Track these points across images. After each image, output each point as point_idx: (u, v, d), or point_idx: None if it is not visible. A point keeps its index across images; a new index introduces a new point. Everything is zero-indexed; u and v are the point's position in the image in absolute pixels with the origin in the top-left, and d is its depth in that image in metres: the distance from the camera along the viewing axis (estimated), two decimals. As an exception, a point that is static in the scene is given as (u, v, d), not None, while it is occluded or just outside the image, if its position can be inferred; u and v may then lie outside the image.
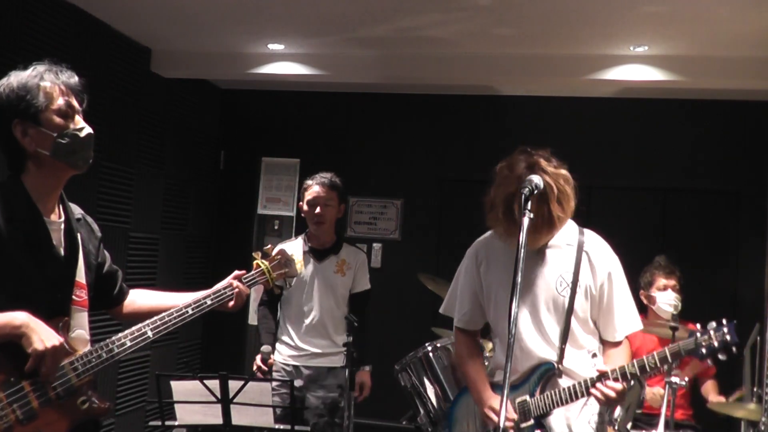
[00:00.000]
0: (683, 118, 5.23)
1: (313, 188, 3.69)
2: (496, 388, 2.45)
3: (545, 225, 2.27)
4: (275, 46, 4.68)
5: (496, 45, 4.42)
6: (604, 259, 2.40)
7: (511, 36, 4.24)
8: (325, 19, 4.13)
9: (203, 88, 5.58)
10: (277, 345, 3.75)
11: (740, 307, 4.92)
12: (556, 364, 2.34)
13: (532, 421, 2.34)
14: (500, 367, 2.48)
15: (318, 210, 3.64)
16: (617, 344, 2.41)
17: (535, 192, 2.14)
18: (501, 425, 1.88)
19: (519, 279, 1.96)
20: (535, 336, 2.38)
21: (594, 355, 2.41)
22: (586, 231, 2.47)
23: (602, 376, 2.22)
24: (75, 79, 2.00)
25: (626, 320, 2.41)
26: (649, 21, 3.85)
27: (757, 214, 5.01)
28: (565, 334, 2.36)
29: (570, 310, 2.36)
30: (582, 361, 2.37)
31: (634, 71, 4.42)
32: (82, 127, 1.97)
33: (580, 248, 2.40)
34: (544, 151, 2.35)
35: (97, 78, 4.28)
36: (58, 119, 1.92)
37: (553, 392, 2.31)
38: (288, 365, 3.67)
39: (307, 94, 5.72)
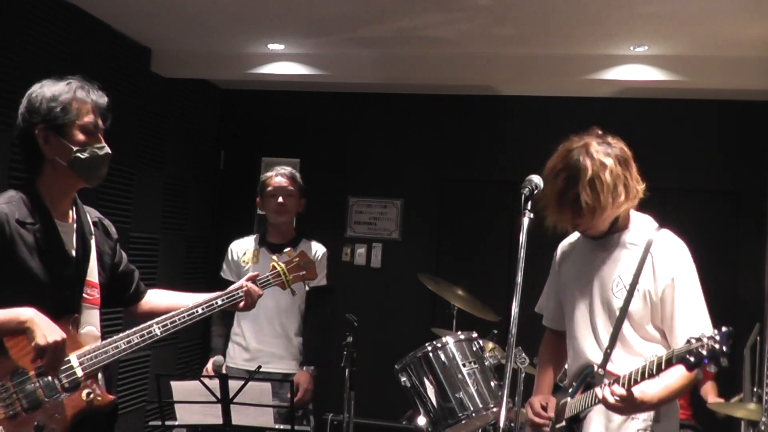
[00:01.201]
0: (683, 118, 5.23)
1: (274, 179, 3.60)
2: (558, 389, 2.39)
3: (569, 208, 2.15)
4: (275, 46, 4.68)
5: (496, 45, 4.41)
6: (669, 263, 2.22)
7: (511, 36, 4.24)
8: (325, 19, 4.13)
9: (203, 88, 5.58)
10: (232, 347, 3.58)
11: (740, 307, 4.92)
12: (596, 368, 2.24)
13: (564, 423, 2.27)
14: (568, 369, 2.43)
15: (280, 200, 3.56)
16: None
17: (536, 192, 2.11)
18: (501, 425, 1.88)
19: (520, 279, 1.94)
20: (588, 337, 2.30)
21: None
22: (662, 231, 2.31)
23: (615, 381, 2.10)
24: (105, 99, 2.12)
25: (690, 333, 2.08)
26: (649, 21, 3.85)
27: (757, 214, 5.01)
28: (614, 338, 2.24)
29: (623, 314, 2.22)
30: (634, 368, 2.16)
31: (634, 71, 4.41)
32: (102, 146, 2.08)
33: (646, 249, 2.24)
34: (613, 139, 2.27)
35: (97, 78, 4.26)
36: (81, 135, 2.03)
37: (585, 395, 2.23)
38: (241, 371, 3.41)
39: (307, 94, 5.72)
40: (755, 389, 3.91)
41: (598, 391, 2.12)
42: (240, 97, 5.85)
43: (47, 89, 2.04)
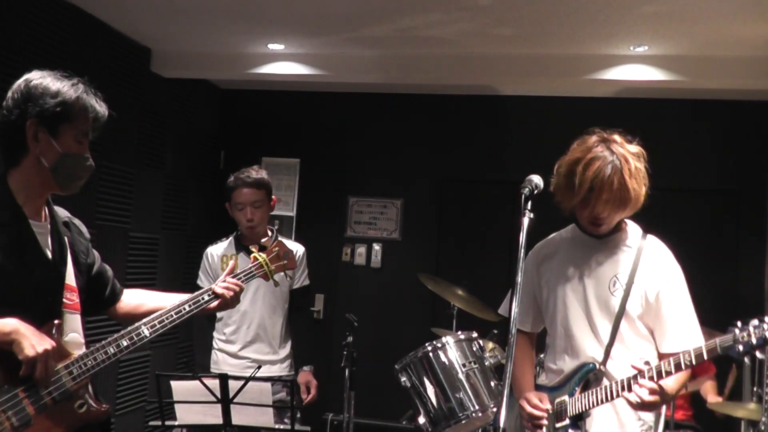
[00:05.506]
0: (683, 118, 5.23)
1: (240, 191, 3.42)
2: (541, 389, 2.40)
3: (617, 197, 2.19)
4: (275, 46, 4.68)
5: (496, 45, 4.41)
6: (663, 266, 2.32)
7: (511, 36, 4.24)
8: (325, 19, 4.13)
9: (203, 88, 5.58)
10: (216, 354, 3.52)
11: (740, 307, 4.92)
12: (598, 365, 2.28)
13: (567, 421, 2.28)
14: (547, 369, 2.45)
15: (248, 215, 3.41)
16: (671, 356, 2.14)
17: (536, 192, 2.11)
18: (501, 425, 1.87)
19: (520, 279, 1.94)
20: (587, 335, 2.33)
21: (647, 363, 2.22)
22: (650, 236, 2.40)
23: (638, 374, 2.13)
24: (105, 112, 2.00)
25: (683, 334, 2.26)
26: (649, 21, 3.85)
27: (757, 214, 5.01)
28: (613, 336, 2.29)
29: (621, 313, 2.28)
30: (631, 365, 2.22)
31: (634, 71, 4.41)
32: (88, 158, 1.98)
33: (639, 252, 2.33)
34: (620, 135, 2.33)
35: (97, 78, 4.27)
36: (74, 141, 1.93)
37: (590, 392, 2.25)
38: None
39: (307, 94, 5.72)
40: (755, 389, 3.91)
41: (627, 394, 2.12)
42: (240, 97, 5.85)
43: (51, 83, 1.90)
